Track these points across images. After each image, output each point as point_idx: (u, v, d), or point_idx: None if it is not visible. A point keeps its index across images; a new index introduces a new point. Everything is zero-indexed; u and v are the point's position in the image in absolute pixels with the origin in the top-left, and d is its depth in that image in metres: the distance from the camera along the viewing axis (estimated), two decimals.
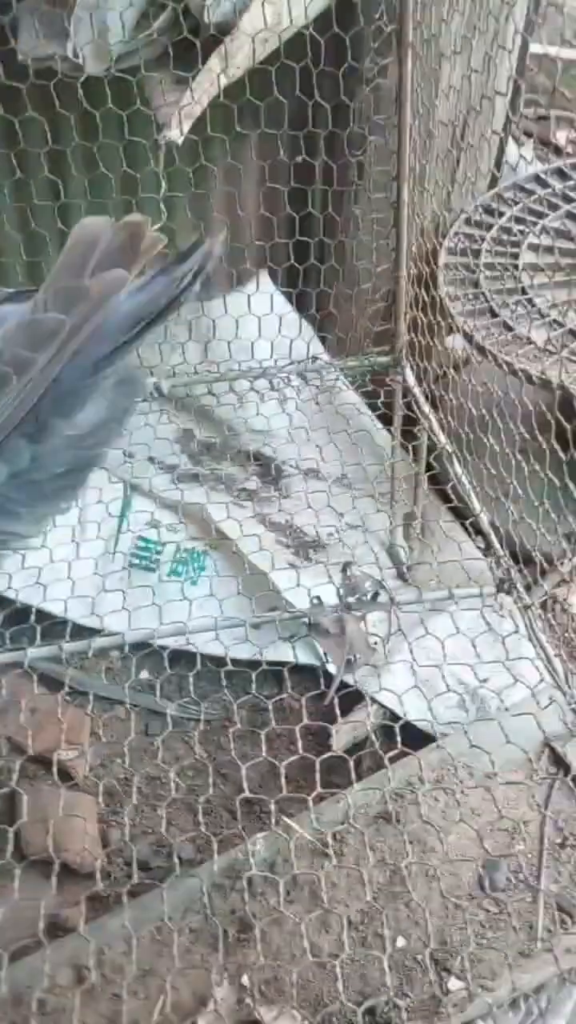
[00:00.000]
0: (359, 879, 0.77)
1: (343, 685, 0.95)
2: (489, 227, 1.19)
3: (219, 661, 0.93)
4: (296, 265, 1.16)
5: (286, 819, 0.81)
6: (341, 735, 0.93)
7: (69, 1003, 0.70)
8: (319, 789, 0.79)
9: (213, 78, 0.84)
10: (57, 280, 0.80)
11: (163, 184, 0.97)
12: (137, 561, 1.05)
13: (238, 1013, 0.71)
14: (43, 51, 0.89)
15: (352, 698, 0.96)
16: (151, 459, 1.17)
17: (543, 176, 1.25)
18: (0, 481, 0.83)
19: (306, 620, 0.96)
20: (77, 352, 0.79)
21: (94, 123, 1.05)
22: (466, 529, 1.12)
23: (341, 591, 0.95)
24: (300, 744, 0.83)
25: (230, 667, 0.93)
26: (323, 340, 1.27)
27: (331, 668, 0.97)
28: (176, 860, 0.82)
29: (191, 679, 0.91)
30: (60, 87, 1.00)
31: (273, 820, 0.82)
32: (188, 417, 1.23)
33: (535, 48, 1.22)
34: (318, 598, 0.96)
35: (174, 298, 0.75)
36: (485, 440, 0.99)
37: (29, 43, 0.90)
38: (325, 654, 0.99)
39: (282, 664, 0.96)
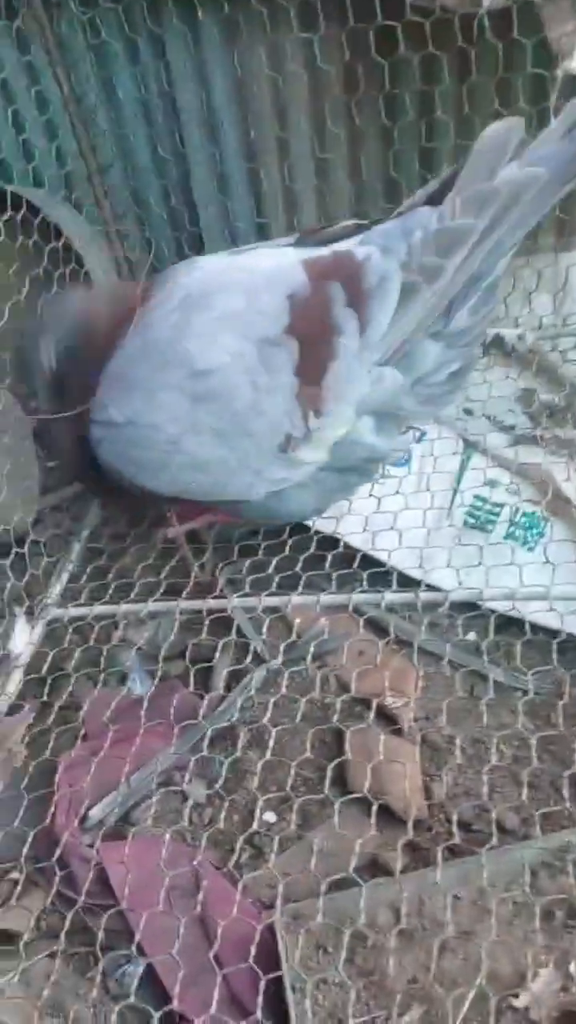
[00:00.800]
0: None
1: None
2: None
3: (551, 632, 0.89)
4: None
5: None
6: None
7: (388, 943, 0.71)
8: None
9: None
10: (466, 184, 0.79)
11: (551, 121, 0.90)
12: (472, 520, 1.02)
13: (560, 1000, 0.68)
14: None
15: None
16: (489, 417, 1.13)
17: None
18: (408, 386, 0.84)
19: None
20: (485, 253, 0.79)
21: (467, 62, 1.01)
22: None
23: None
24: None
25: (563, 639, 0.88)
26: None
27: None
28: (499, 828, 0.81)
29: (519, 647, 0.88)
30: (436, 26, 0.97)
31: None
32: (530, 374, 1.16)
33: None
34: None
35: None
36: None
37: None
38: None
39: None
